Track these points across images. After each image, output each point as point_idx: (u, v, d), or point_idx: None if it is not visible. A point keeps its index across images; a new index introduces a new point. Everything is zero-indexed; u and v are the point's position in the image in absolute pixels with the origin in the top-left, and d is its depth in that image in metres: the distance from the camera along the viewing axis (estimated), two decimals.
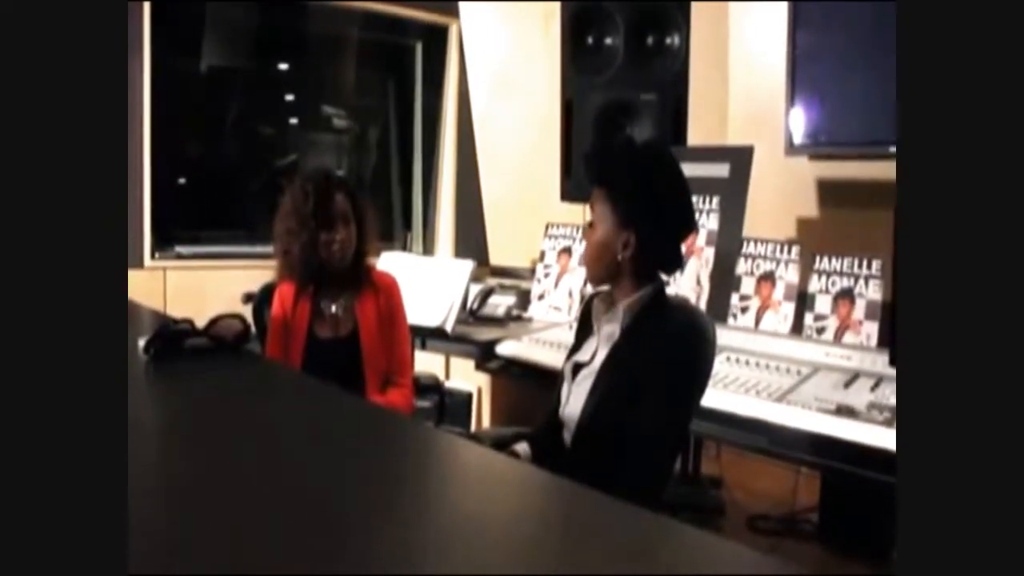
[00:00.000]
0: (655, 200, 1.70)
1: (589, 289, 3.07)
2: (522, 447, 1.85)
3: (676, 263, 1.80)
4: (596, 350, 1.78)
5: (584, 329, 1.89)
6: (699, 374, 1.74)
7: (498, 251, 4.22)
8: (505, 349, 2.92)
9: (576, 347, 1.89)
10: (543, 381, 2.56)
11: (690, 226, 1.78)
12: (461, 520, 1.03)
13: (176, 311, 2.05)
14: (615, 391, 1.69)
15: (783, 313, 2.76)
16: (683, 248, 1.80)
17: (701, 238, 2.98)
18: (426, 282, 3.10)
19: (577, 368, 1.81)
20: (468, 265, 3.19)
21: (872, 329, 2.56)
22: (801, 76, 2.96)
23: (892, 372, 2.28)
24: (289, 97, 4.57)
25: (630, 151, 1.80)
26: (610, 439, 1.67)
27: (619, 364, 1.70)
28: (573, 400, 1.77)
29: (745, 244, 2.91)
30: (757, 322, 2.81)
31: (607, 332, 1.76)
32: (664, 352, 1.67)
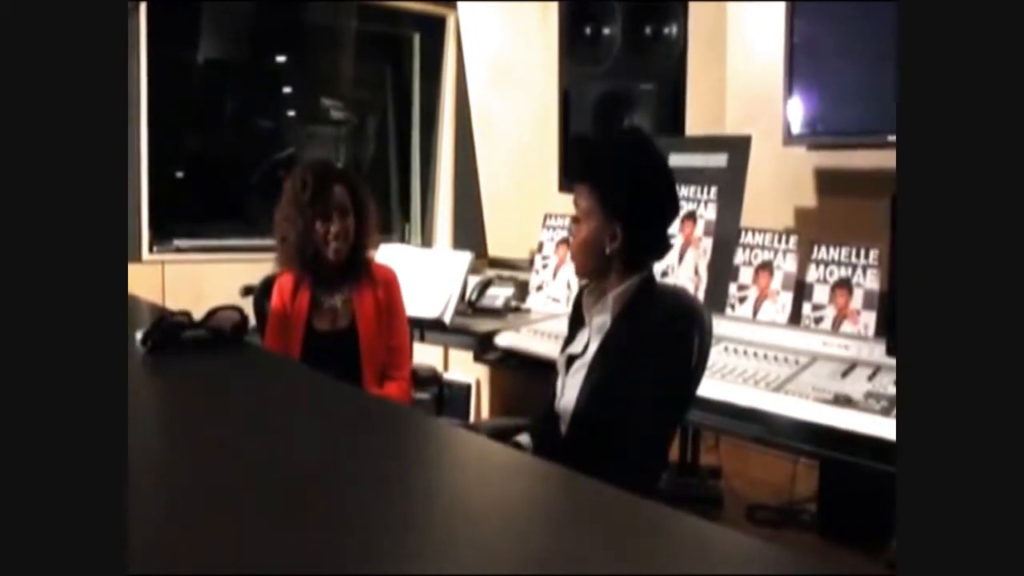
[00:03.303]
0: (638, 190, 1.71)
1: (584, 280, 3.08)
2: (524, 438, 1.86)
3: (665, 248, 1.81)
4: (588, 341, 1.78)
5: (576, 321, 1.89)
6: (691, 359, 1.73)
7: (496, 242, 4.21)
8: (503, 340, 2.92)
9: (569, 339, 1.89)
10: (542, 372, 2.56)
11: (675, 209, 1.79)
12: (460, 509, 1.03)
13: (174, 305, 2.05)
14: (608, 380, 1.69)
15: (781, 303, 2.77)
16: (671, 232, 1.80)
17: (699, 228, 2.98)
18: (424, 274, 3.09)
19: (570, 360, 1.81)
20: (466, 256, 3.19)
21: (870, 318, 2.56)
22: (799, 66, 2.95)
23: (889, 361, 2.29)
24: (287, 89, 4.56)
25: (609, 144, 1.81)
26: (604, 428, 1.68)
27: (611, 353, 1.71)
28: (567, 392, 1.77)
29: (743, 234, 2.91)
30: (755, 312, 2.81)
31: (598, 323, 1.76)
32: (655, 338, 1.68)
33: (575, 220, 1.76)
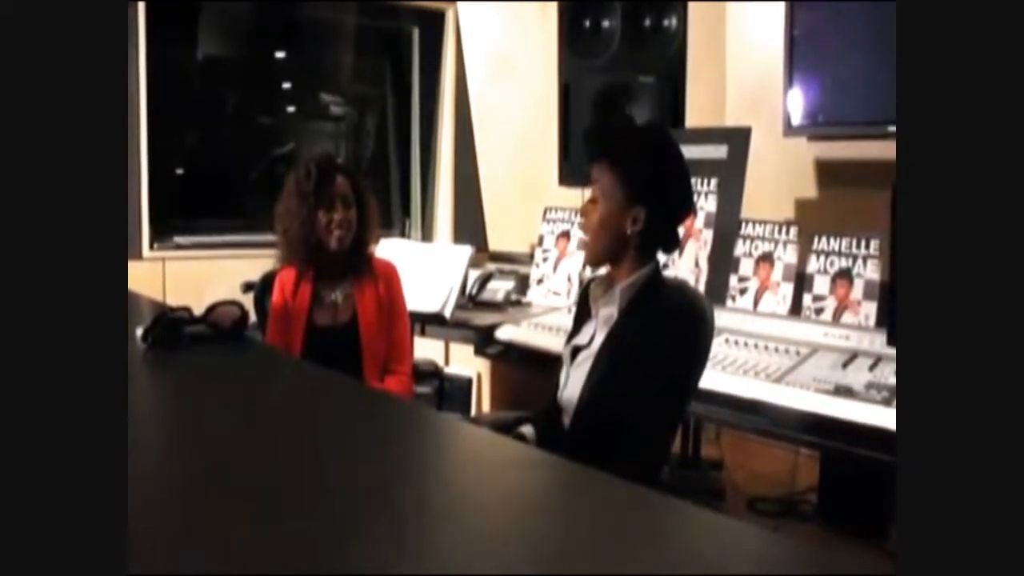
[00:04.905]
0: (664, 178, 1.71)
1: (588, 273, 3.07)
2: (527, 429, 1.86)
3: (676, 243, 1.81)
4: (594, 333, 1.78)
5: (582, 313, 1.89)
6: (696, 354, 1.74)
7: (497, 236, 4.21)
8: (504, 334, 2.92)
9: (575, 331, 1.89)
10: (542, 366, 2.56)
11: (690, 208, 1.80)
12: (462, 502, 1.03)
13: (175, 302, 2.05)
14: (612, 373, 1.69)
15: (782, 294, 2.77)
16: (681, 230, 1.81)
17: (700, 220, 2.98)
18: (425, 268, 3.09)
19: (576, 352, 1.81)
20: (467, 251, 3.19)
21: (870, 309, 2.56)
22: (799, 56, 2.95)
23: (890, 351, 2.28)
24: (286, 85, 4.55)
25: (635, 129, 1.81)
26: (607, 420, 1.68)
27: (617, 345, 1.71)
28: (571, 383, 1.77)
29: (743, 225, 2.90)
30: (756, 303, 2.81)
31: (605, 315, 1.76)
32: (661, 332, 1.67)
33: (591, 201, 1.74)
